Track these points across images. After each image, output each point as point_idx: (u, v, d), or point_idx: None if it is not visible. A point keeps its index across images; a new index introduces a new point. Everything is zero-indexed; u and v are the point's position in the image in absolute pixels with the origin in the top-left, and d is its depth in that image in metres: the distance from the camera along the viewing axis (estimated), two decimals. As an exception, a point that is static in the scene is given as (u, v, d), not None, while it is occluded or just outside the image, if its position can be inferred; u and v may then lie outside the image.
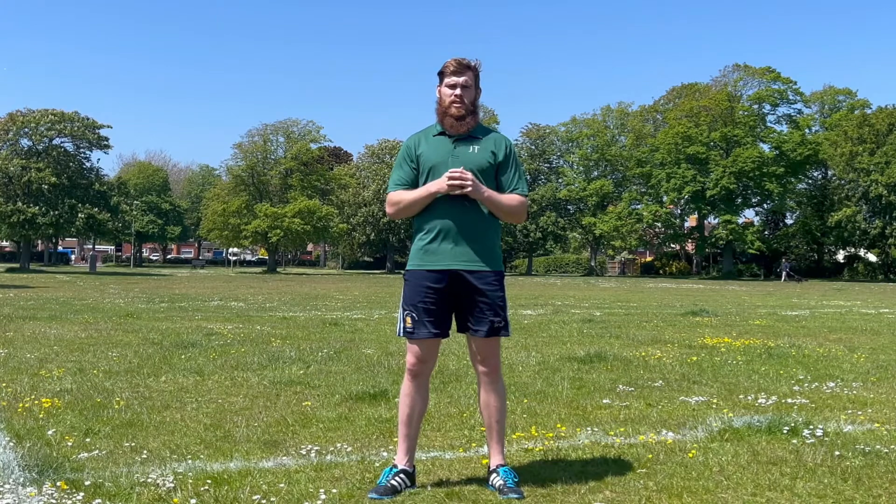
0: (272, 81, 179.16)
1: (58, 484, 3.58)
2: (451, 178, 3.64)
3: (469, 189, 3.64)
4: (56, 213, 52.42)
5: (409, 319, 3.76)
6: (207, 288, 28.05)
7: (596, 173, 70.42)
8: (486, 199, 3.71)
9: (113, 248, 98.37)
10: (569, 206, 71.94)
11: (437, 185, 3.69)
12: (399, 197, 3.80)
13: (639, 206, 66.59)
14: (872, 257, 62.45)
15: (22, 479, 3.67)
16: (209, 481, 3.69)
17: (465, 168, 3.69)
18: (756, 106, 65.16)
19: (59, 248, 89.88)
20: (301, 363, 7.71)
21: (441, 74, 3.82)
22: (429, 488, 3.67)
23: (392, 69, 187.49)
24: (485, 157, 3.78)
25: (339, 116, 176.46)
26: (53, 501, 3.40)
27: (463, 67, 3.77)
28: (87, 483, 3.62)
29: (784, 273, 55.82)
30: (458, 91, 3.74)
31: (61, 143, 55.87)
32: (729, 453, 4.32)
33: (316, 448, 4.33)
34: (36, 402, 5.51)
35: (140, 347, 8.92)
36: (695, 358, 8.44)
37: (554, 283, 42.81)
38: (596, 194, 67.80)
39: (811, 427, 4.83)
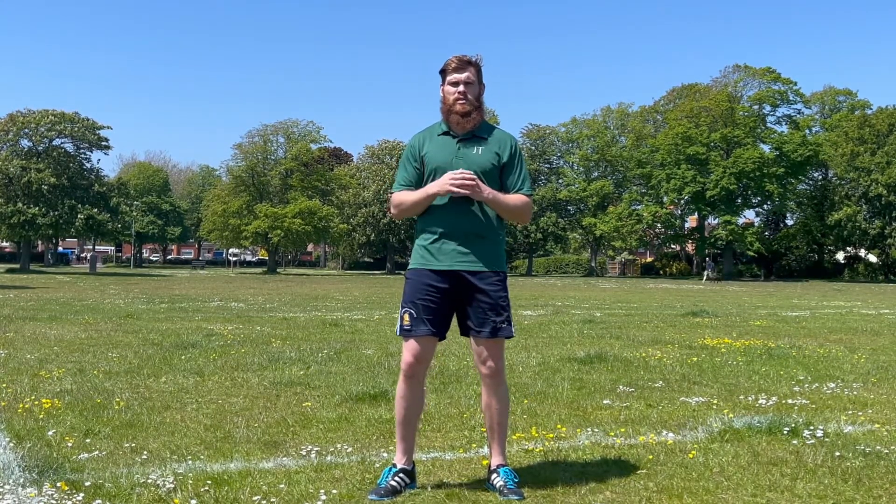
0: (272, 81, 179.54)
1: (58, 485, 3.58)
2: (453, 181, 3.62)
3: (469, 192, 3.63)
4: (56, 213, 52.42)
5: (407, 316, 3.74)
6: (207, 289, 28.05)
7: (596, 174, 70.43)
8: (488, 201, 3.70)
9: (113, 248, 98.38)
10: (569, 207, 71.94)
11: (437, 186, 3.68)
12: (402, 198, 3.79)
13: (639, 207, 66.58)
14: (873, 258, 62.46)
15: (22, 480, 3.67)
16: (209, 482, 3.69)
17: (468, 169, 3.68)
18: (756, 106, 65.16)
19: (60, 248, 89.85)
20: (301, 364, 7.71)
21: (443, 73, 3.80)
22: (429, 489, 3.67)
23: (392, 69, 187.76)
24: (489, 158, 3.76)
25: (339, 116, 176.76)
26: (54, 502, 3.40)
27: (465, 64, 3.76)
28: (87, 484, 3.62)
29: (707, 272, 55.61)
30: (461, 88, 3.73)
31: (61, 143, 55.91)
32: (729, 454, 4.32)
33: (316, 449, 4.33)
34: (36, 402, 5.51)
35: (140, 348, 8.92)
36: (695, 359, 8.43)
37: (554, 283, 42.81)
38: (596, 195, 67.80)
39: (811, 428, 4.82)
